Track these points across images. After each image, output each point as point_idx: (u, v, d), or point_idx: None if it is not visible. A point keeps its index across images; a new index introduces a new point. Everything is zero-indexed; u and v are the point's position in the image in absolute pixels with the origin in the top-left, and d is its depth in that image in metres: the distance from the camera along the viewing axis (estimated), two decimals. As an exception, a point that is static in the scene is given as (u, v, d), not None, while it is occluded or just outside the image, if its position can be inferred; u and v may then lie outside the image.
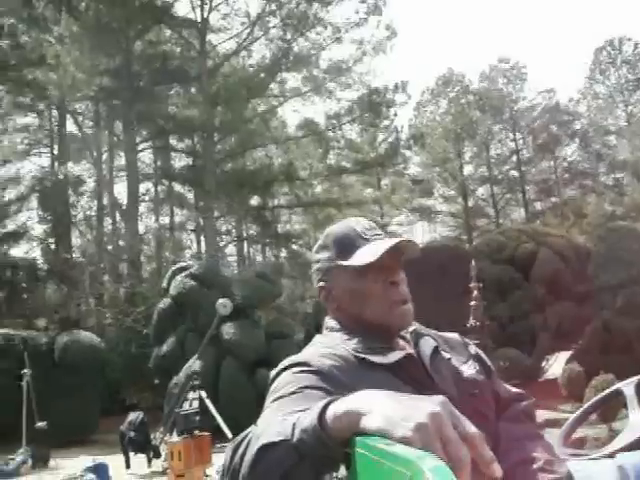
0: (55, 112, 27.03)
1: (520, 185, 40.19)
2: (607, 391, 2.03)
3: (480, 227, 38.39)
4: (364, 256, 1.48)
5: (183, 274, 13.57)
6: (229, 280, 14.26)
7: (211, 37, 24.13)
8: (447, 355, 1.55)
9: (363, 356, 1.42)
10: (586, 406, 2.02)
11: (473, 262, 7.46)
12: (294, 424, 0.94)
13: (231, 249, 33.18)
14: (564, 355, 13.07)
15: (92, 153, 25.56)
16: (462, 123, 38.34)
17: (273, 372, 1.41)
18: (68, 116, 26.38)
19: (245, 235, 32.11)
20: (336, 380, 1.32)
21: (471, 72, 51.16)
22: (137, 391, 15.21)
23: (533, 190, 41.40)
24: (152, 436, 10.34)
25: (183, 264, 14.90)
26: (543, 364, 13.48)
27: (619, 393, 2.00)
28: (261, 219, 28.03)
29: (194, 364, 9.77)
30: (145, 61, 23.55)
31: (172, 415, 7.94)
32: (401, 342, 1.55)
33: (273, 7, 22.78)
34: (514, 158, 40.51)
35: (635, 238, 13.29)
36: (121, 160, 26.57)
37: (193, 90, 24.70)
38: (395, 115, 26.88)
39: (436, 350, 1.53)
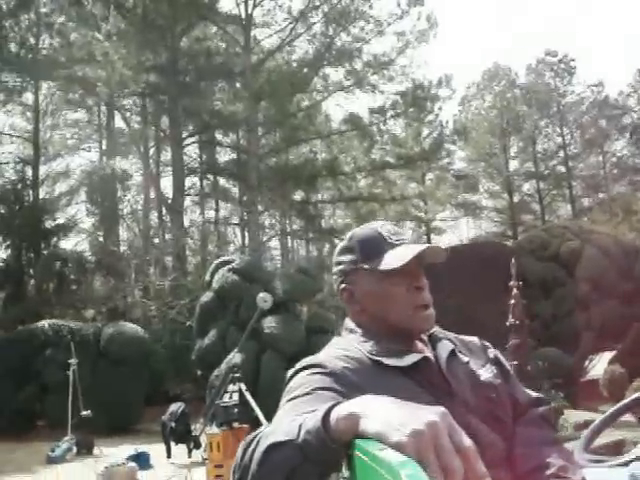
0: (104, 108, 27.57)
1: (567, 181, 39.44)
2: (632, 397, 2.01)
3: (525, 223, 37.79)
4: (391, 261, 1.50)
5: (226, 268, 13.71)
6: (271, 274, 14.35)
7: (255, 33, 24.31)
8: (465, 358, 1.56)
9: (378, 359, 1.45)
10: (610, 412, 2.00)
11: (513, 260, 7.38)
12: (300, 425, 0.98)
13: (275, 243, 33.42)
14: (608, 355, 12.84)
15: (139, 148, 25.97)
16: (508, 118, 37.79)
17: (289, 373, 1.46)
18: (116, 112, 26.86)
19: (289, 230, 32.27)
20: (349, 382, 1.35)
21: (518, 66, 50.30)
22: (180, 382, 15.42)
23: (580, 186, 40.58)
24: (193, 427, 10.49)
25: (226, 258, 15.02)
26: (586, 364, 13.24)
27: (643, 401, 1.98)
28: (304, 214, 28.12)
29: (235, 357, 9.89)
30: (190, 57, 23.84)
31: (212, 407, 8.05)
32: (419, 345, 1.57)
33: (316, 3, 22.82)
34: (561, 153, 39.75)
35: (685, 236, 12.95)
36: (167, 155, 27.02)
37: (237, 85, 24.88)
38: (440, 109, 26.70)
39: (453, 353, 1.55)
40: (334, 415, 0.94)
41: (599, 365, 12.87)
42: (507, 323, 7.41)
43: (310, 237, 30.21)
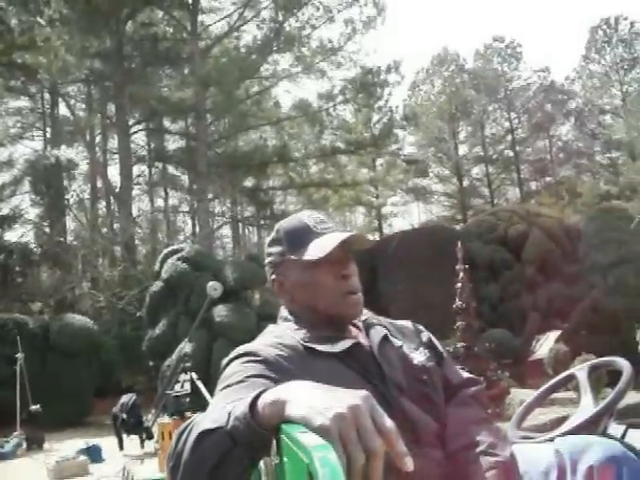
0: (47, 95, 26.89)
1: (515, 164, 40.15)
2: (561, 375, 2.07)
3: (475, 207, 38.39)
4: (315, 251, 1.52)
5: (175, 257, 13.60)
6: (221, 263, 14.32)
7: (202, 18, 23.99)
8: (398, 343, 1.60)
9: (311, 345, 1.47)
10: (540, 390, 2.06)
11: (459, 244, 7.50)
12: (230, 412, 1.00)
13: (226, 231, 33.25)
14: (554, 335, 13.16)
15: (85, 136, 25.46)
16: (457, 103, 38.20)
17: (223, 361, 1.47)
18: (60, 99, 26.24)
19: (239, 217, 32.12)
20: (283, 369, 1.37)
21: (466, 51, 50.87)
22: (131, 373, 15.28)
23: (528, 169, 41.36)
24: (144, 418, 10.40)
25: (175, 247, 14.90)
26: (532, 344, 13.57)
27: (572, 377, 2.04)
28: (255, 200, 28.04)
29: (185, 346, 9.82)
30: (136, 43, 23.41)
31: (163, 397, 7.99)
32: (353, 331, 1.60)
33: (264, -13, 22.64)
34: (509, 137, 40.41)
35: (625, 218, 13.32)
36: (114, 143, 26.51)
37: (185, 72, 24.55)
38: (389, 95, 26.81)
39: (386, 338, 1.58)
40: (261, 401, 0.97)
41: (545, 345, 13.18)
42: (454, 306, 7.52)
43: (261, 224, 30.12)
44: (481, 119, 39.82)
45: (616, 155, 39.60)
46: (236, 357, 1.43)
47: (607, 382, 5.11)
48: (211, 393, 8.01)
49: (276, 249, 1.62)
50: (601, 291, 12.26)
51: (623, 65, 40.86)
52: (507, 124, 40.62)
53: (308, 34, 23.05)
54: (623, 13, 41.01)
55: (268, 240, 1.69)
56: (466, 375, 1.72)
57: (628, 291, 11.92)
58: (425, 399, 1.52)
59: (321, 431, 0.83)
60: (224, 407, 1.04)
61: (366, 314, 1.68)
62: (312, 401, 0.89)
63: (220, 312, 12.27)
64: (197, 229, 26.35)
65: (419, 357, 1.60)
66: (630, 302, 11.71)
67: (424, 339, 1.70)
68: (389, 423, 0.86)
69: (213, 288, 8.27)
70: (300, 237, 1.57)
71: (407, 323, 1.75)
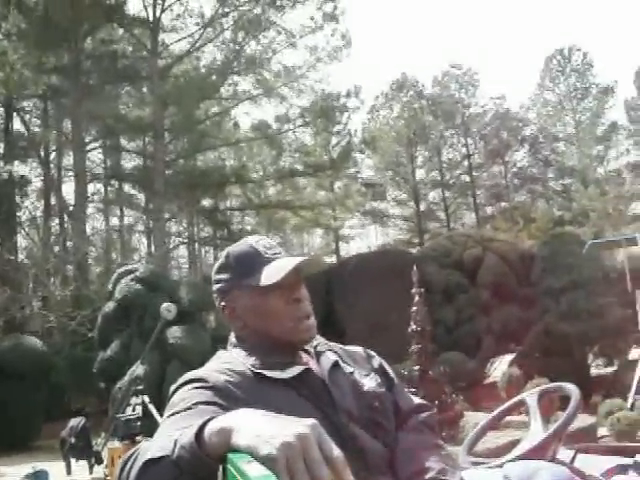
0: (1, 110, 26.38)
1: (471, 189, 40.78)
2: (511, 401, 2.09)
3: (431, 231, 38.81)
4: (267, 276, 1.50)
5: (129, 277, 13.41)
6: (176, 283, 14.17)
7: (163, 37, 23.91)
8: (349, 369, 1.59)
9: (260, 371, 1.45)
10: (491, 416, 2.07)
11: (415, 268, 7.56)
12: (176, 440, 0.98)
13: (182, 251, 32.92)
14: (508, 358, 13.31)
15: (39, 152, 25.03)
16: (415, 128, 38.72)
17: (171, 388, 1.43)
18: (15, 114, 25.77)
19: (196, 237, 31.85)
20: (232, 396, 1.35)
21: (424, 77, 51.68)
22: (82, 396, 14.95)
23: (484, 195, 42.04)
24: (94, 442, 10.16)
25: (130, 267, 14.69)
26: (487, 367, 13.69)
27: (523, 403, 2.05)
28: (213, 221, 27.87)
29: (138, 369, 9.66)
30: (95, 59, 23.19)
31: (114, 421, 7.82)
32: (304, 357, 1.58)
33: (226, 9, 22.67)
34: (465, 163, 41.07)
35: (578, 244, 13.59)
36: (69, 160, 26.11)
37: (144, 90, 24.39)
38: (349, 119, 27.05)
39: (336, 364, 1.57)
40: (208, 430, 0.95)
41: (499, 368, 13.31)
42: (409, 329, 7.55)
43: (218, 245, 29.91)
44: (438, 144, 40.41)
45: (569, 182, 40.56)
46: (184, 383, 1.40)
47: (559, 406, 5.17)
48: (163, 416, 7.88)
49: (225, 275, 1.59)
50: (554, 315, 12.44)
51: (576, 94, 42.04)
52: (464, 149, 41.31)
53: (269, 57, 23.16)
54: (576, 44, 42.30)
55: (216, 267, 1.65)
56: (417, 401, 1.71)
57: (580, 315, 12.12)
58: (376, 426, 1.51)
59: (268, 460, 0.82)
60: (170, 435, 1.02)
61: (317, 340, 1.66)
62: (259, 430, 0.88)
63: (174, 334, 12.11)
64: (152, 249, 26.03)
65: (370, 383, 1.58)
66: (582, 326, 11.91)
67: (375, 365, 1.69)
68: (337, 452, 0.85)
69: (167, 309, 8.15)
70: (251, 263, 1.55)
71: (358, 349, 1.74)
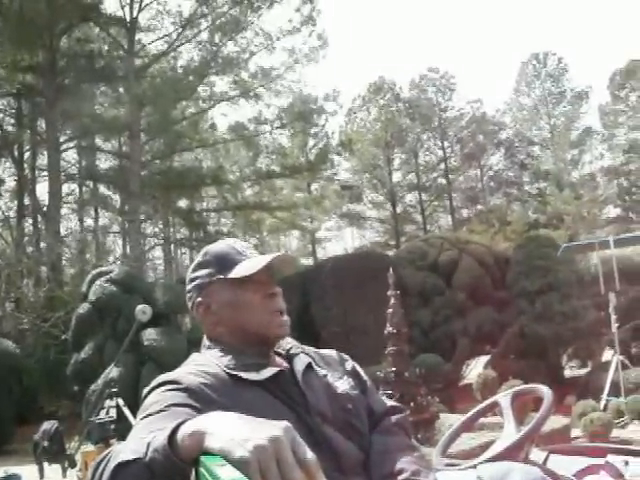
0: (-26, 108, 26.02)
1: (447, 192, 41.04)
2: (484, 403, 2.10)
3: (408, 233, 38.99)
4: (245, 269, 1.56)
5: (103, 279, 13.26)
6: (151, 285, 14.04)
7: (140, 37, 23.75)
8: (323, 371, 1.61)
9: (235, 373, 1.46)
10: (464, 418, 2.08)
11: (391, 270, 7.57)
12: (149, 443, 0.98)
13: (158, 253, 32.69)
14: (484, 360, 13.40)
15: (13, 152, 24.70)
16: (392, 130, 38.88)
17: (145, 390, 1.43)
18: (-12, 112, 25.42)
19: (172, 238, 31.66)
20: (206, 398, 1.35)
21: (402, 80, 51.86)
22: (55, 399, 14.73)
23: (460, 197, 42.34)
24: (67, 445, 10.04)
25: (104, 269, 14.53)
26: (463, 369, 13.77)
27: (496, 405, 2.07)
28: (189, 222, 27.72)
29: (112, 371, 9.57)
30: (71, 58, 22.94)
31: (88, 424, 7.73)
32: (277, 359, 1.61)
33: (204, 10, 22.58)
34: (442, 166, 41.32)
35: (552, 246, 13.72)
36: (43, 159, 25.80)
37: (120, 90, 24.18)
38: (326, 121, 27.08)
39: (310, 367, 1.59)
40: (180, 432, 0.95)
41: (475, 370, 13.40)
42: (385, 331, 7.55)
43: (194, 246, 29.75)
44: (415, 147, 40.61)
45: (544, 185, 40.99)
46: (157, 386, 1.41)
47: (532, 407, 5.21)
48: (138, 419, 7.81)
49: (203, 272, 1.62)
50: (528, 317, 12.54)
51: (551, 99, 42.52)
52: (440, 153, 41.56)
53: (247, 58, 23.11)
54: (552, 49, 42.79)
55: (193, 265, 1.69)
56: (390, 403, 1.73)
57: (554, 317, 12.24)
58: (349, 428, 1.53)
59: (240, 463, 0.82)
60: (143, 438, 1.02)
61: (290, 343, 1.69)
62: (232, 432, 0.88)
63: (149, 336, 12.00)
64: (128, 250, 25.82)
65: (343, 386, 1.61)
66: (556, 328, 12.03)
67: (348, 368, 1.71)
68: (310, 455, 0.86)
69: (142, 311, 8.09)
70: (230, 259, 1.60)
71: (331, 352, 1.77)
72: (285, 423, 0.89)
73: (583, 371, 12.77)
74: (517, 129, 43.24)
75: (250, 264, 1.56)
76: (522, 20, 77.29)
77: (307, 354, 1.65)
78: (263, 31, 22.55)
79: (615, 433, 7.44)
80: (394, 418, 1.66)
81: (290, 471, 0.82)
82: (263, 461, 0.82)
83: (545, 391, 2.00)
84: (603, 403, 8.50)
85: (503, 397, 2.06)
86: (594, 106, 42.30)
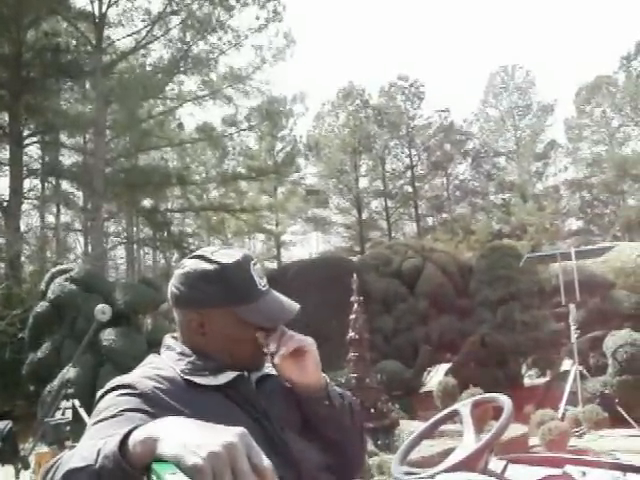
0: None
1: (413, 200, 41.36)
2: (444, 411, 2.09)
3: (372, 239, 39.19)
4: (269, 317, 1.48)
5: (63, 277, 13.02)
6: (112, 285, 13.82)
7: (109, 32, 23.44)
8: None
9: (191, 378, 1.42)
10: (424, 426, 2.06)
11: (355, 276, 7.58)
12: (99, 450, 0.95)
13: (120, 252, 32.35)
14: (444, 367, 13.48)
15: (-27, 145, 24.19)
16: (360, 137, 39.09)
17: (98, 394, 1.39)
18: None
19: (135, 238, 31.33)
20: (161, 403, 1.31)
21: (371, 87, 52.17)
22: (10, 398, 14.43)
23: (425, 205, 42.73)
24: (21, 447, 9.81)
25: (64, 267, 14.28)
26: (424, 376, 13.84)
27: (456, 413, 2.05)
28: (153, 222, 27.43)
29: (69, 371, 9.39)
30: (37, 52, 22.55)
31: (42, 425, 7.57)
32: None
33: (175, 7, 22.40)
34: (408, 173, 41.66)
35: (515, 257, 13.87)
36: (5, 154, 25.29)
37: (87, 86, 23.84)
38: (294, 125, 27.09)
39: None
40: (132, 439, 0.93)
41: (435, 377, 13.48)
42: (347, 337, 7.57)
43: (157, 246, 29.51)
44: (382, 154, 40.88)
45: (508, 196, 41.59)
46: (111, 389, 1.36)
47: (492, 416, 5.24)
48: (94, 421, 7.67)
49: (211, 288, 1.47)
50: (490, 326, 12.68)
51: (518, 111, 43.21)
52: (407, 160, 41.89)
53: (216, 58, 22.97)
54: (519, 62, 43.54)
55: (199, 271, 1.49)
56: (339, 390, 1.69)
57: (515, 327, 12.39)
58: (309, 433, 1.51)
59: (193, 471, 0.80)
60: (94, 444, 0.99)
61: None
62: (185, 439, 0.86)
63: (108, 336, 11.81)
64: (89, 249, 25.45)
65: None
66: (516, 337, 12.17)
67: None
68: (266, 462, 0.85)
69: (101, 311, 7.97)
70: (246, 290, 1.48)
71: None
72: (241, 429, 0.87)
73: (542, 380, 12.94)
74: (484, 140, 43.84)
75: (273, 311, 1.49)
76: (492, 32, 78.47)
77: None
78: (232, 29, 22.48)
79: (572, 442, 7.54)
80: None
81: (245, 479, 0.81)
82: (217, 468, 0.80)
83: (505, 400, 1.99)
84: (561, 412, 8.60)
85: (463, 406, 2.05)
86: (560, 120, 43.18)
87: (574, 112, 42.68)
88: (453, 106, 69.51)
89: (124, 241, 30.51)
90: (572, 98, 42.71)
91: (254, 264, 1.52)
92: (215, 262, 1.48)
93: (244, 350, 1.48)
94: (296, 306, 1.54)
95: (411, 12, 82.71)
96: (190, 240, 28.74)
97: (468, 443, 1.88)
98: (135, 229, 31.74)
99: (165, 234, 27.79)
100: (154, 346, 12.31)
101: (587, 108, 42.01)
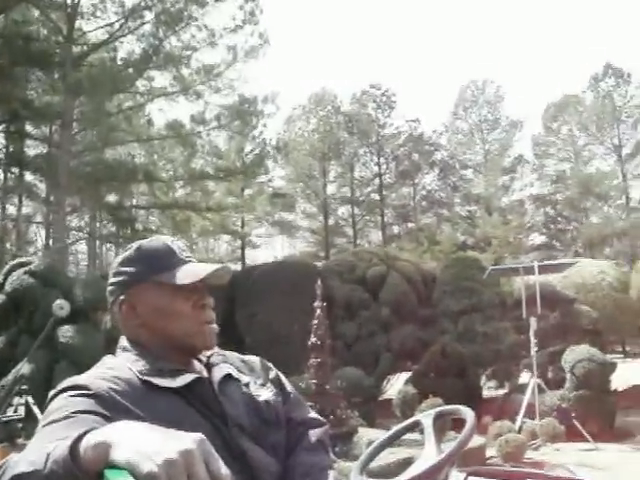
0: None
1: (380, 208, 41.58)
2: (406, 422, 2.05)
3: (338, 246, 39.29)
4: (183, 276, 1.46)
5: (22, 270, 12.72)
6: (72, 280, 13.55)
7: (81, 24, 23.07)
8: (245, 379, 1.56)
9: (148, 379, 1.37)
10: (385, 436, 2.03)
11: (319, 281, 7.55)
12: (48, 454, 0.91)
13: (82, 247, 31.89)
14: (405, 376, 13.52)
15: None
16: (329, 142, 39.20)
17: (50, 394, 1.33)
18: None
19: (98, 233, 30.91)
20: (116, 405, 1.26)
21: (343, 94, 52.30)
22: (-40, 393, 14.06)
23: (391, 214, 43.00)
24: (-30, 443, 9.57)
25: (23, 259, 13.95)
26: (383, 384, 13.86)
27: (418, 424, 2.02)
28: (117, 217, 27.05)
29: (23, 367, 9.22)
30: (6, 40, 22.10)
31: (-7, 421, 7.39)
32: (197, 365, 1.53)
33: (149, 2, 22.15)
34: (376, 181, 41.89)
35: (479, 268, 14.01)
36: (-32, 142, 24.81)
37: (55, 76, 23.43)
38: (264, 126, 26.91)
39: (230, 375, 1.53)
40: (84, 443, 0.89)
41: (395, 385, 13.51)
42: (309, 342, 7.53)
43: (121, 242, 29.11)
44: (351, 161, 41.05)
45: (474, 208, 42.07)
46: (63, 390, 1.30)
47: (451, 426, 5.24)
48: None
49: (132, 268, 1.51)
50: (451, 336, 12.77)
51: (486, 125, 43.76)
52: (376, 168, 42.12)
53: (189, 55, 22.77)
54: (490, 77, 44.12)
55: (120, 258, 1.57)
56: (312, 415, 1.70)
57: (476, 338, 12.50)
58: (269, 439, 1.48)
59: (148, 478, 0.77)
60: (43, 447, 0.95)
61: (214, 348, 1.62)
62: (140, 444, 0.83)
63: (65, 333, 11.57)
64: (50, 242, 25.00)
65: (266, 394, 1.56)
66: (477, 349, 12.27)
67: (271, 376, 1.66)
68: (224, 470, 0.83)
69: (59, 307, 7.84)
70: (165, 260, 1.50)
71: (255, 358, 1.71)
72: (199, 435, 0.84)
73: (500, 392, 13.06)
74: (452, 151, 44.29)
75: (188, 272, 1.48)
76: (465, 46, 79.43)
77: (229, 362, 1.59)
78: (206, 27, 22.31)
79: (528, 454, 7.61)
80: (316, 434, 1.62)
81: None
82: (173, 476, 0.77)
83: (468, 413, 1.96)
84: (518, 425, 8.69)
85: (425, 416, 2.02)
86: (527, 136, 43.87)
87: (541, 129, 43.43)
88: (423, 117, 70.16)
89: (86, 236, 30.05)
90: (540, 115, 43.48)
91: (174, 241, 1.58)
92: (135, 247, 1.56)
93: (181, 325, 1.47)
94: (214, 267, 1.49)
95: (386, 21, 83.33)
96: (154, 237, 28.39)
97: (430, 455, 1.85)
98: (98, 224, 31.32)
99: (129, 230, 27.38)
100: (112, 344, 12.06)
101: (554, 125, 42.76)
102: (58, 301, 8.03)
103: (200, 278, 1.45)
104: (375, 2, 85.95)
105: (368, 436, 7.26)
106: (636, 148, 39.64)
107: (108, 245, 34.24)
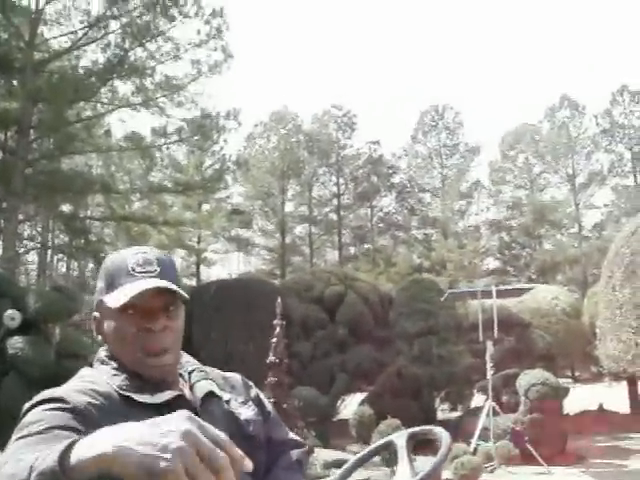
0: None
1: (337, 228, 41.69)
2: (378, 442, 2.02)
3: (294, 264, 39.22)
4: (118, 297, 1.34)
5: (-30, 279, 12.36)
6: (23, 290, 13.18)
7: (44, 30, 22.72)
8: (226, 396, 1.51)
9: (128, 394, 1.32)
10: (356, 458, 1.99)
11: (279, 299, 7.50)
12: (32, 466, 0.88)
13: (32, 257, 31.15)
14: (359, 397, 13.50)
15: None
16: (289, 161, 39.22)
17: (25, 406, 1.25)
18: None
19: (50, 243, 30.24)
20: (93, 420, 1.19)
21: (304, 113, 52.55)
22: None
23: (348, 234, 43.12)
24: None
25: (-27, 267, 13.59)
26: (338, 404, 13.81)
27: (391, 444, 1.99)
28: (71, 228, 26.50)
29: (-31, 378, 8.90)
30: (-36, 42, 21.62)
31: None
32: (180, 381, 1.48)
33: (115, 12, 21.91)
34: (334, 202, 42.03)
35: (435, 291, 14.11)
36: None
37: (14, 82, 22.98)
38: (225, 142, 26.78)
39: (211, 392, 1.47)
40: (75, 454, 0.85)
41: (350, 406, 13.47)
42: (267, 361, 7.45)
43: (73, 253, 28.54)
44: (310, 180, 41.12)
45: (430, 232, 42.51)
46: (40, 402, 1.23)
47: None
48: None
49: (99, 285, 1.44)
50: (407, 358, 12.80)
51: (445, 150, 44.40)
52: (334, 188, 42.28)
53: (153, 66, 22.59)
54: (450, 103, 44.81)
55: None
56: (292, 436, 1.66)
57: (431, 360, 12.56)
58: (248, 455, 1.42)
59: (167, 474, 0.76)
60: (20, 460, 0.92)
61: (194, 364, 1.57)
62: (140, 445, 0.80)
63: (15, 344, 11.19)
64: (0, 251, 24.34)
65: (247, 412, 1.52)
66: (432, 371, 12.33)
67: (252, 394, 1.62)
68: (222, 435, 0.83)
69: (11, 317, 7.65)
70: (116, 278, 1.38)
71: (236, 376, 1.66)
72: (184, 412, 0.85)
73: (454, 414, 13.13)
74: (410, 175, 44.75)
75: (127, 290, 1.33)
76: (426, 71, 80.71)
77: (210, 378, 1.53)
78: (172, 40, 22.18)
79: (483, 477, 7.64)
80: (295, 454, 1.60)
81: (214, 458, 0.78)
82: (187, 462, 0.77)
83: (443, 434, 1.93)
84: (473, 447, 8.72)
85: (398, 437, 1.99)
86: (484, 162, 44.63)
87: (499, 156, 44.26)
88: (383, 140, 70.79)
89: (38, 246, 29.36)
90: (498, 142, 44.33)
91: (139, 253, 1.42)
92: (105, 260, 1.47)
93: (126, 351, 1.36)
94: (154, 283, 1.34)
95: (350, 43, 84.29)
96: (108, 249, 27.91)
97: (404, 475, 1.82)
98: (51, 234, 30.65)
99: (82, 242, 26.85)
100: (63, 357, 11.81)
101: (511, 153, 43.65)
102: (9, 311, 7.84)
103: (127, 300, 1.31)
104: (339, 24, 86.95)
105: (324, 456, 7.21)
106: (589, 178, 40.72)
107: (60, 256, 33.55)
